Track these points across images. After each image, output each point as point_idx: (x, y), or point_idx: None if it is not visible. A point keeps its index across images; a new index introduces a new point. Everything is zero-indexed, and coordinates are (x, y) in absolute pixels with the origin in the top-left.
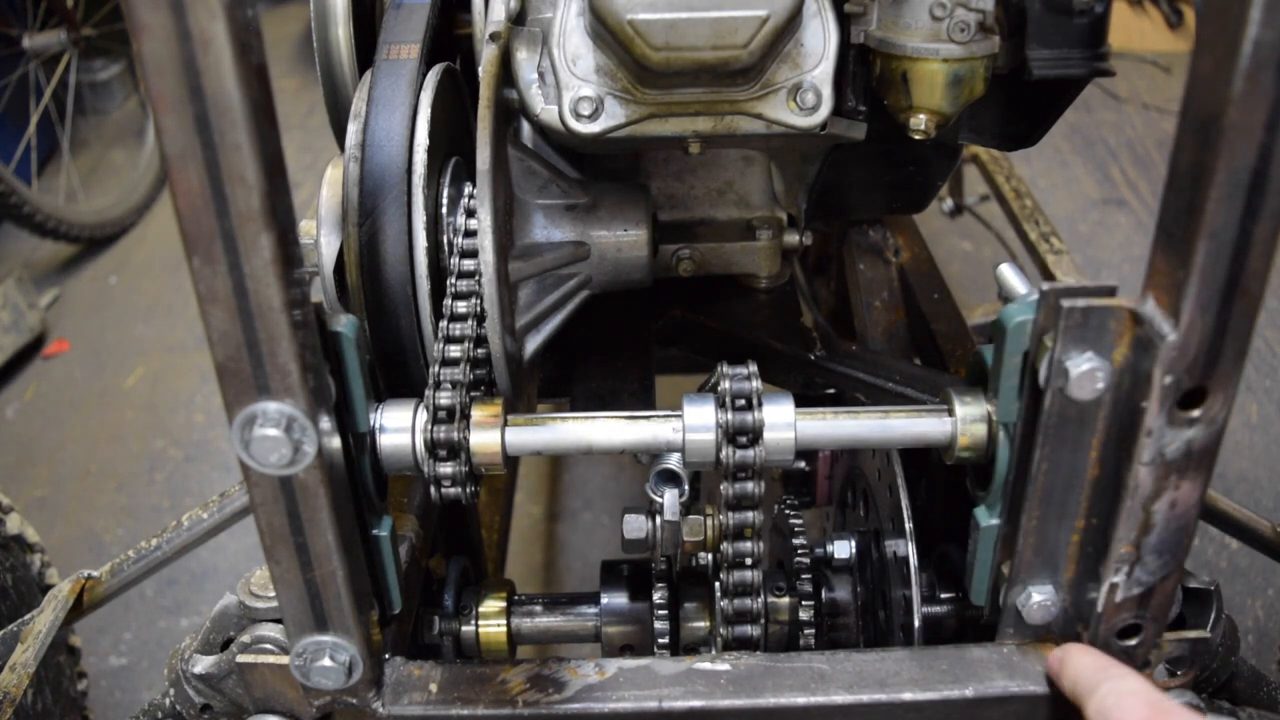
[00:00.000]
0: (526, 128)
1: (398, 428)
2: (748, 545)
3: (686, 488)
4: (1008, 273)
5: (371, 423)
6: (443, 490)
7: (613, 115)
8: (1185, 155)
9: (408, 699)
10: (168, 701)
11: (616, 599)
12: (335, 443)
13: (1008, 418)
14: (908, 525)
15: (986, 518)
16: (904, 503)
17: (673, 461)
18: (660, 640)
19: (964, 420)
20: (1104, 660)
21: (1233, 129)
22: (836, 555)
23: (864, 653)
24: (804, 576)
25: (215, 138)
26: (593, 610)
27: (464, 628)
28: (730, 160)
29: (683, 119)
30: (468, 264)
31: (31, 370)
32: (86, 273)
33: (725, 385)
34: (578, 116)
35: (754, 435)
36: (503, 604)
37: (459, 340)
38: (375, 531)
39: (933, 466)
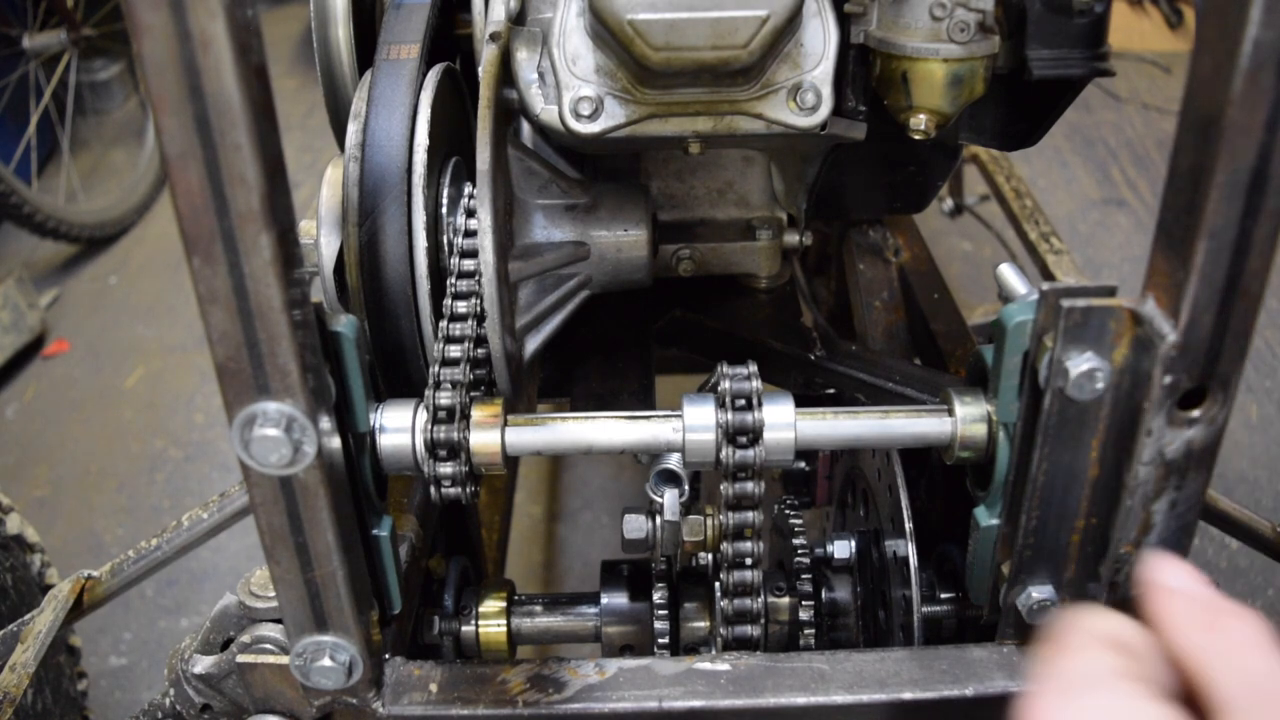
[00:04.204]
0: (526, 128)
1: (398, 428)
2: (748, 545)
3: (686, 488)
4: (1008, 273)
5: (371, 423)
6: (443, 490)
7: (613, 115)
8: (1185, 155)
9: (408, 699)
10: (168, 701)
11: (616, 599)
12: (335, 443)
13: (1008, 418)
14: (908, 525)
15: (986, 518)
16: (904, 503)
17: (673, 461)
18: (660, 640)
19: (964, 420)
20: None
21: (1233, 129)
22: (836, 555)
23: (864, 653)
24: (804, 576)
25: (215, 138)
26: (593, 610)
27: (464, 628)
28: (730, 160)
29: (683, 119)
30: (468, 264)
31: (31, 370)
32: (86, 273)
33: (725, 385)
34: (578, 116)
35: (754, 435)
36: (503, 604)
37: (459, 340)
38: (375, 531)
39: (933, 466)
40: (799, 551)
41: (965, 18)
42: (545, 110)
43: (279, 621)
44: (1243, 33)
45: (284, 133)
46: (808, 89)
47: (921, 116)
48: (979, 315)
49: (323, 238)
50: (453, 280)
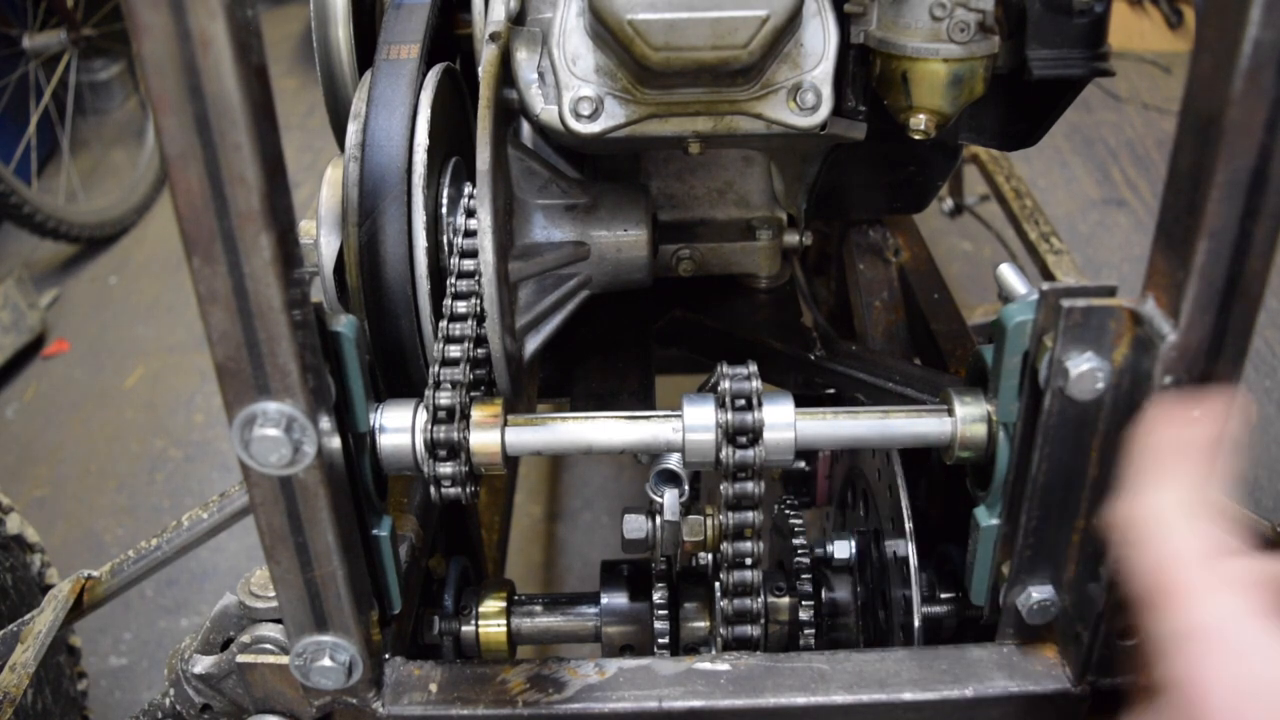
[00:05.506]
0: (526, 128)
1: (398, 428)
2: (748, 545)
3: (686, 488)
4: (1008, 273)
5: (371, 423)
6: (443, 490)
7: (613, 115)
8: (1185, 155)
9: (408, 699)
10: (168, 701)
11: (616, 599)
12: (335, 443)
13: (1008, 418)
14: (908, 525)
15: (986, 518)
16: (904, 503)
17: (673, 461)
18: (660, 640)
19: (964, 420)
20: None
21: (1233, 129)
22: (836, 555)
23: (864, 653)
24: (804, 576)
25: (215, 138)
26: (593, 610)
27: (464, 628)
28: (730, 160)
29: (683, 119)
30: (468, 264)
31: (31, 370)
32: (86, 273)
33: (725, 385)
34: (578, 116)
35: (754, 435)
36: (503, 604)
37: (459, 340)
38: (375, 531)
39: (933, 466)
40: (799, 551)
41: (965, 18)
42: (545, 110)
43: (279, 621)
44: (1243, 33)
45: (284, 133)
46: (808, 89)
47: (921, 116)
48: (979, 315)
49: (323, 238)
50: (453, 280)
